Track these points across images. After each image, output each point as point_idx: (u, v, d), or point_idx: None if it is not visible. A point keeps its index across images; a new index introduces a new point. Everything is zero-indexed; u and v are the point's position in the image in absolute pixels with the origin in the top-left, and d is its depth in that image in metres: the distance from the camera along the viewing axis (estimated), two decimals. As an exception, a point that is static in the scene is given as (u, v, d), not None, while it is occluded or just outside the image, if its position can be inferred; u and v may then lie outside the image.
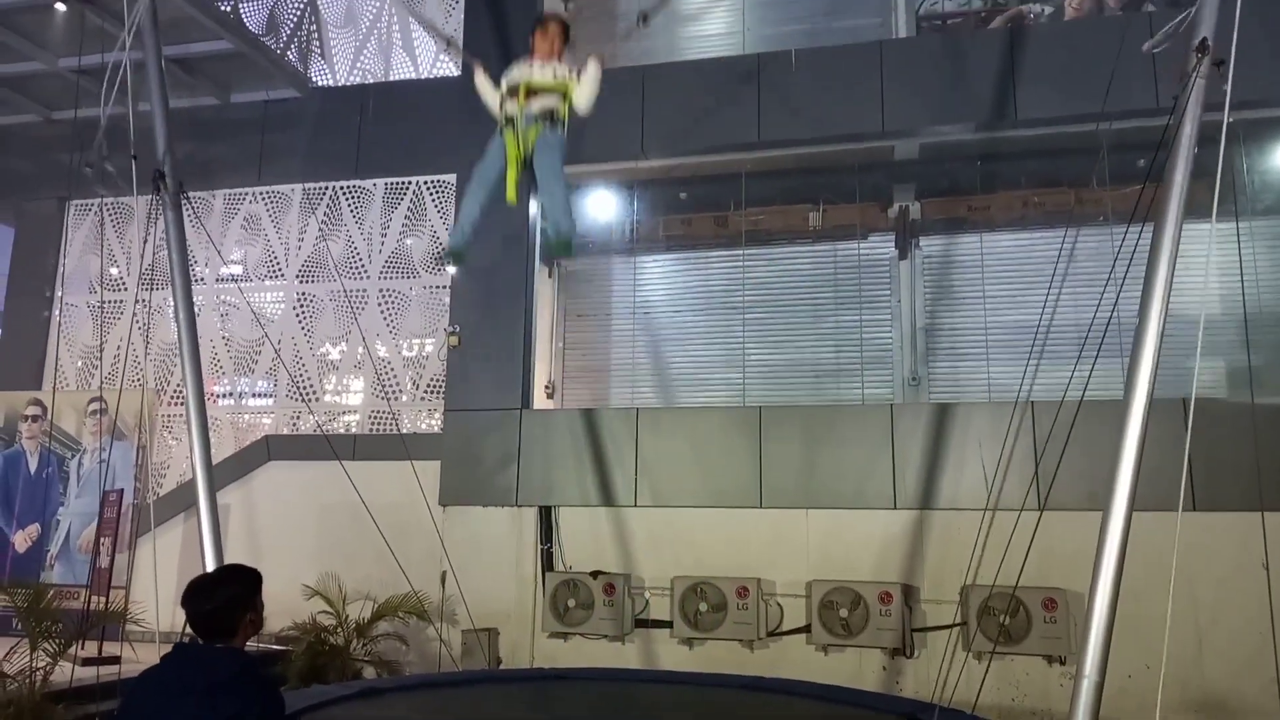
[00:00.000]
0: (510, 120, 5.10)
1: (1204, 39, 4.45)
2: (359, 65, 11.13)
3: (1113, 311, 4.75)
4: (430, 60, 10.95)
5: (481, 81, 5.34)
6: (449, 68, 10.71)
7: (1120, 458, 4.20)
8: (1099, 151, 8.08)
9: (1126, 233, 4.70)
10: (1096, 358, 4.73)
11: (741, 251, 9.64)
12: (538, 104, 5.03)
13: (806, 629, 7.97)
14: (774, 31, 9.87)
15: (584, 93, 5.09)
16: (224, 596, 2.78)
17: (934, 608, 7.81)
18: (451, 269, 9.10)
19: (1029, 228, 9.14)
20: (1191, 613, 7.13)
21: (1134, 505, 4.15)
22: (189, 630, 2.80)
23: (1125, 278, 4.66)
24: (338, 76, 11.14)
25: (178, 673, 2.69)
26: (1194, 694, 7.15)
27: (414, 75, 10.93)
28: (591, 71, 5.07)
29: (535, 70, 5.12)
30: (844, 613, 7.75)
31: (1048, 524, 6.22)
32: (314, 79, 11.00)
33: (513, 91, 5.10)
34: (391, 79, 10.95)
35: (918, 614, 7.85)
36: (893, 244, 9.39)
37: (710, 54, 9.92)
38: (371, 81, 10.97)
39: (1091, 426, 5.12)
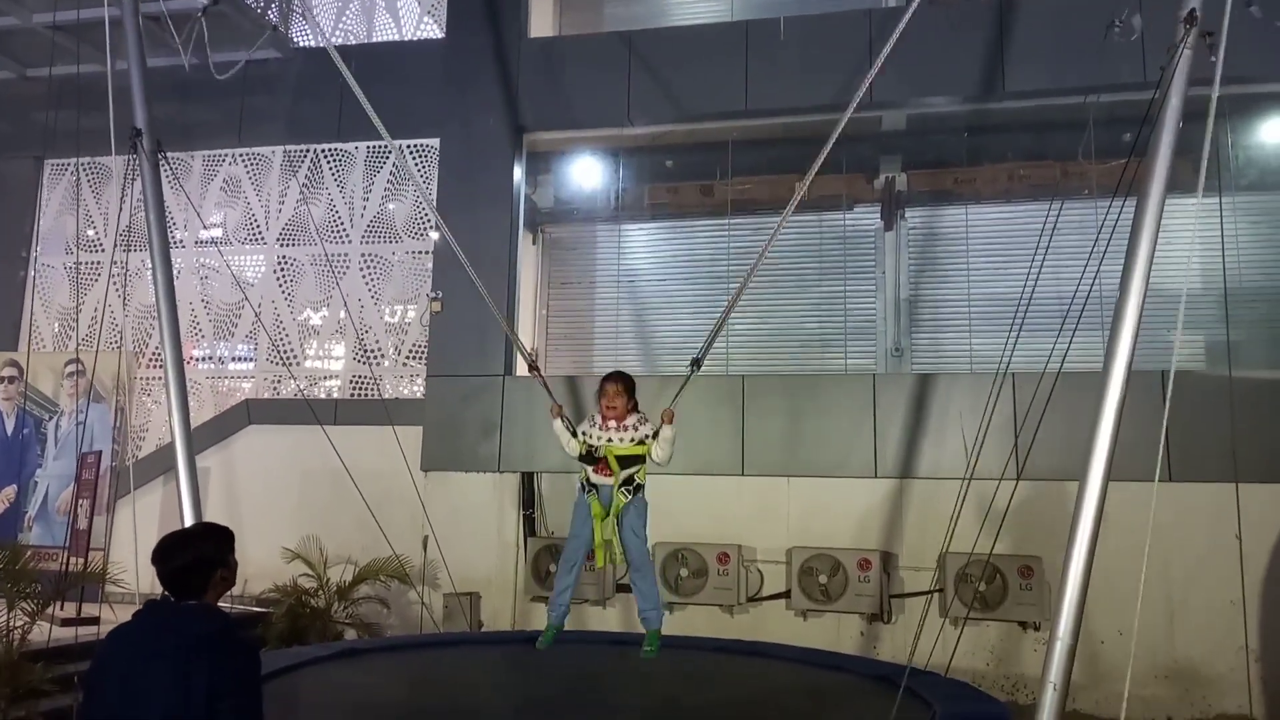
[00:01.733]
0: (594, 487, 5.14)
1: (1192, 10, 4.44)
2: (341, 26, 10.95)
3: (1093, 284, 4.77)
4: (414, 22, 10.78)
5: (561, 430, 5.26)
6: (433, 30, 10.57)
7: (1098, 428, 4.24)
8: (1086, 125, 8.09)
9: (1110, 207, 4.71)
10: (1076, 330, 4.76)
11: (727, 220, 9.61)
12: (623, 474, 5.07)
13: (786, 595, 8.05)
14: (763, -2, 9.80)
15: (662, 454, 5.10)
16: (195, 554, 2.75)
17: (912, 575, 7.91)
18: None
19: (1014, 201, 9.15)
20: (1165, 582, 7.25)
21: (1110, 475, 4.19)
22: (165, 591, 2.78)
23: (1106, 251, 4.67)
24: (319, 37, 10.95)
25: (151, 631, 2.66)
26: (1165, 661, 7.29)
27: (397, 37, 10.76)
28: (666, 434, 5.05)
29: (614, 435, 5.09)
30: (823, 579, 7.84)
31: (1027, 494, 6.29)
32: (295, 39, 10.82)
33: (590, 457, 5.11)
34: (374, 40, 10.79)
35: (896, 581, 7.95)
36: (878, 215, 9.38)
37: (698, 20, 9.84)
38: (354, 43, 10.79)
39: (1072, 398, 5.16)
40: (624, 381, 5.17)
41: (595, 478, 5.11)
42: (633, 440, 5.08)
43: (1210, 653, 7.25)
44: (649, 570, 5.27)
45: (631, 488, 5.08)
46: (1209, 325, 8.21)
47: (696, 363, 5.54)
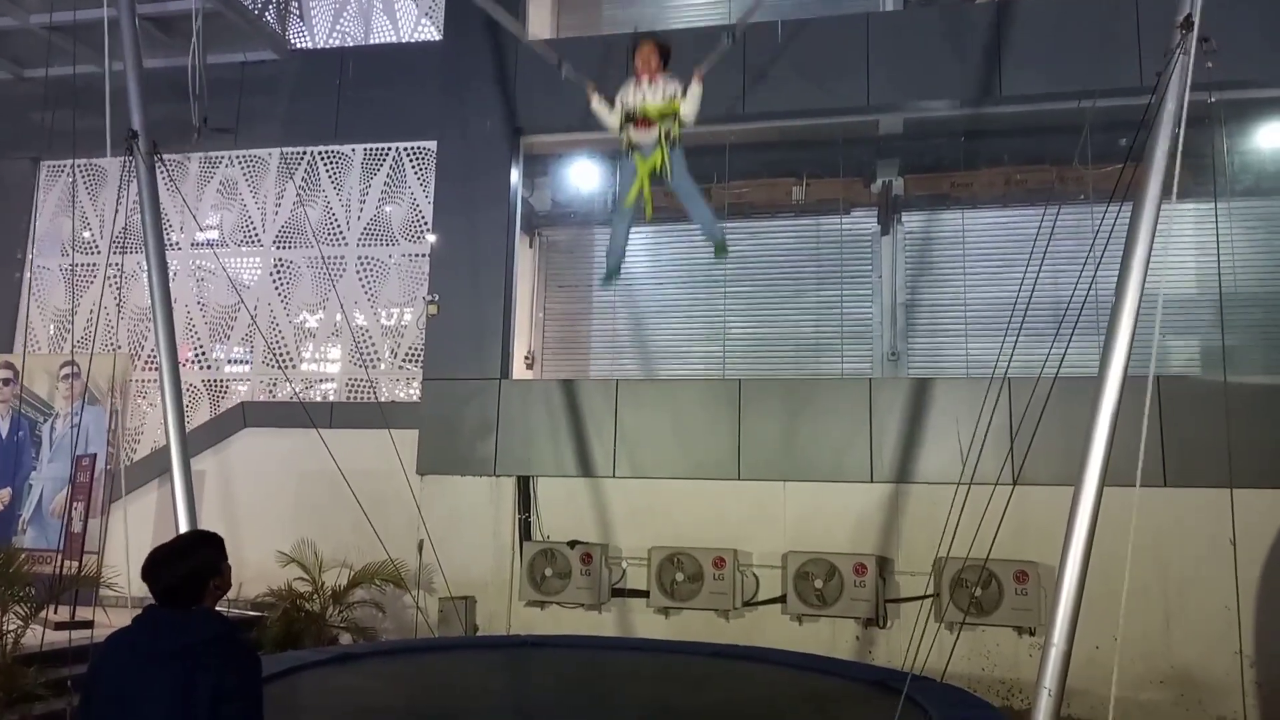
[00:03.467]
0: (635, 146, 5.76)
1: (1188, 15, 4.45)
2: (338, 28, 10.95)
3: (1089, 289, 4.77)
4: (411, 24, 10.78)
5: (598, 105, 5.85)
6: (430, 32, 10.57)
7: (1093, 433, 4.24)
8: (1083, 130, 8.10)
9: (1105, 212, 4.72)
10: (1073, 335, 4.76)
11: (724, 224, 9.57)
12: (658, 129, 5.66)
13: (782, 599, 8.04)
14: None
15: (690, 110, 5.67)
16: (187, 568, 2.70)
17: (908, 579, 7.90)
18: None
19: (1011, 205, 9.16)
20: (1160, 587, 7.25)
21: (1106, 480, 4.19)
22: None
23: (1103, 256, 4.68)
24: (317, 39, 10.96)
25: (149, 636, 2.63)
26: (1161, 666, 7.29)
27: (394, 39, 10.76)
28: (695, 90, 5.65)
29: (646, 93, 5.69)
30: (819, 583, 7.83)
31: (1023, 499, 6.28)
32: (292, 41, 10.82)
33: (630, 118, 5.70)
34: (371, 42, 10.78)
35: (891, 585, 7.94)
36: (875, 219, 9.38)
37: (695, 23, 9.84)
38: (351, 45, 10.79)
39: (1068, 403, 5.17)
40: (657, 40, 5.75)
41: (635, 134, 5.69)
42: (665, 97, 5.64)
43: (1206, 658, 7.25)
44: (699, 197, 5.96)
45: (669, 141, 5.66)
46: (1204, 330, 8.22)
47: (731, 34, 5.99)
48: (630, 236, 6.19)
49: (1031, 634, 7.51)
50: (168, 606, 2.69)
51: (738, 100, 8.90)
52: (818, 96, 8.78)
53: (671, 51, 5.84)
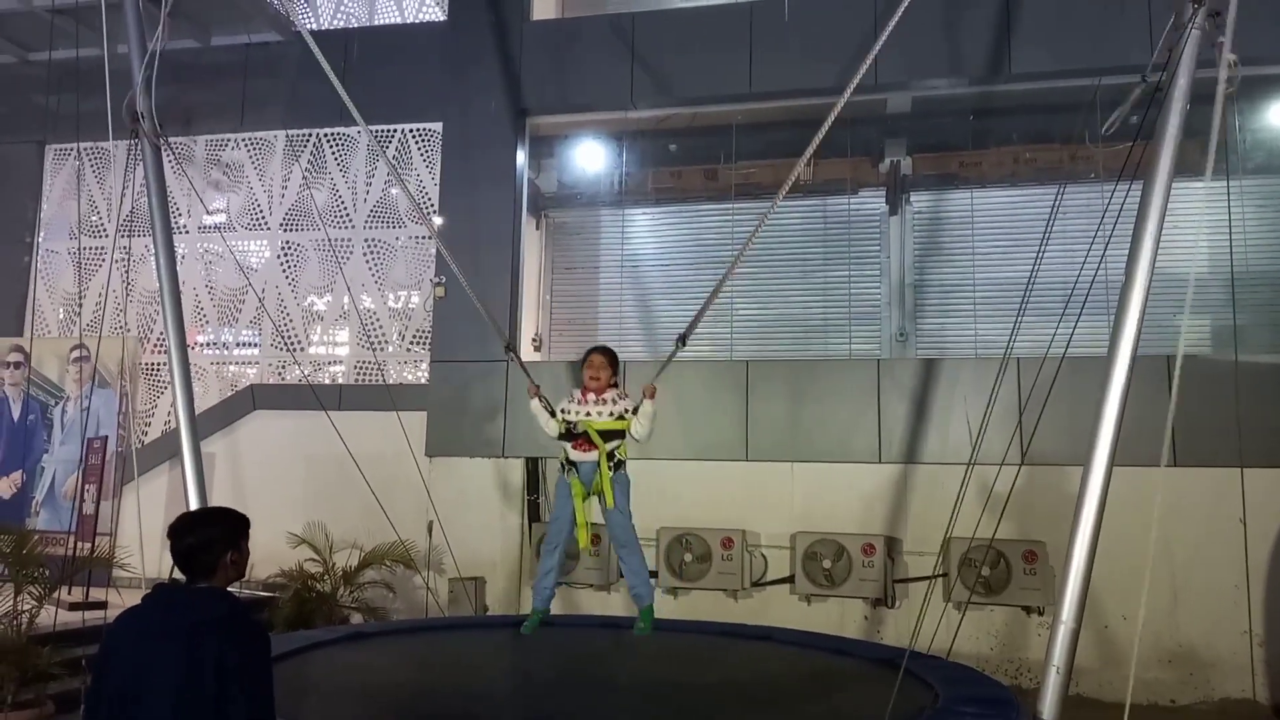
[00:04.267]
0: (573, 464, 5.14)
1: (1199, -11, 4.39)
2: (343, 8, 10.89)
3: (1098, 267, 4.74)
4: (416, 4, 10.73)
5: (537, 409, 5.27)
6: (435, 12, 10.51)
7: (1102, 413, 4.22)
8: (1092, 107, 8.03)
9: (1114, 190, 4.68)
10: (1080, 314, 4.74)
11: (731, 205, 9.57)
12: (600, 451, 5.05)
13: (790, 579, 8.07)
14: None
15: (642, 430, 5.10)
16: (209, 534, 2.75)
17: (916, 559, 7.91)
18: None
19: (1020, 184, 9.10)
20: (1168, 566, 7.25)
21: (1115, 460, 4.18)
22: (175, 570, 2.78)
23: (1112, 235, 4.65)
24: (321, 19, 10.91)
25: (160, 613, 2.66)
26: (1169, 645, 7.30)
27: (399, 20, 10.71)
28: (647, 409, 5.07)
29: (593, 410, 5.10)
30: (827, 564, 7.85)
31: (1032, 479, 6.29)
32: (296, 22, 10.75)
33: (571, 434, 5.10)
34: (376, 23, 10.73)
35: (900, 565, 7.96)
36: (883, 199, 9.34)
37: (701, 2, 9.77)
38: (355, 25, 10.74)
39: (1077, 382, 5.15)
40: (609, 354, 5.21)
41: (575, 454, 5.10)
42: (612, 415, 5.08)
43: (1214, 637, 7.26)
44: (636, 546, 5.24)
45: (613, 464, 5.07)
46: (1215, 309, 8.17)
47: (682, 339, 5.53)
48: (560, 570, 5.41)
49: (1040, 613, 7.52)
50: (182, 569, 2.74)
51: (744, 80, 8.85)
52: (825, 75, 8.71)
53: (619, 364, 5.30)
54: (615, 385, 5.20)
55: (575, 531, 5.14)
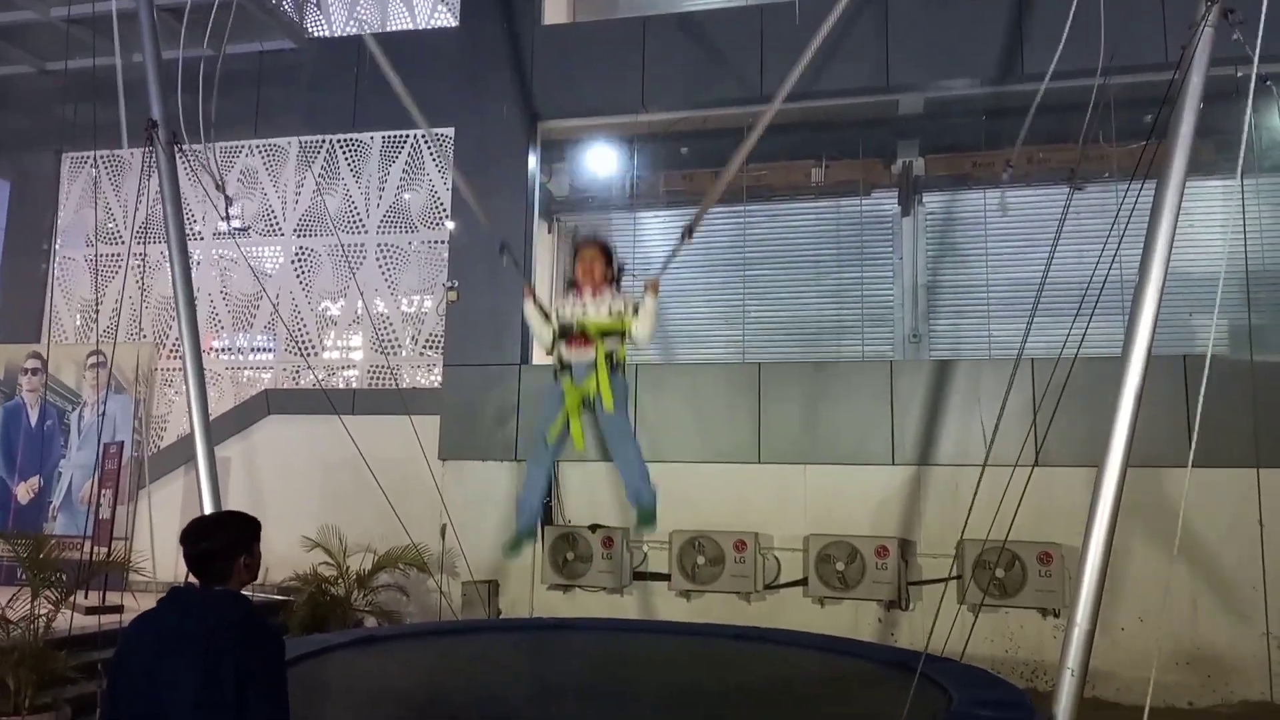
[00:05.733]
0: (567, 366, 4.65)
1: (1213, -13, 4.37)
2: (355, 15, 10.96)
3: (1110, 266, 4.71)
4: (428, 11, 10.78)
5: (531, 311, 4.81)
6: (447, 18, 10.56)
7: (1117, 413, 4.19)
8: (1107, 107, 7.99)
9: (1127, 189, 4.66)
10: (1093, 313, 4.71)
11: (743, 208, 9.57)
12: (597, 349, 4.58)
13: (803, 582, 8.04)
14: (777, -18, 9.71)
15: (644, 329, 4.67)
16: (221, 539, 2.77)
17: (930, 562, 7.87)
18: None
19: (1033, 184, 9.06)
20: (1186, 568, 7.19)
21: (1130, 461, 4.15)
22: (190, 575, 2.80)
23: (1124, 234, 4.62)
24: (334, 27, 10.98)
25: (175, 618, 2.68)
26: (1187, 647, 7.23)
27: (411, 26, 10.77)
28: (649, 305, 4.64)
29: (589, 308, 4.65)
30: (841, 566, 7.82)
31: (1048, 480, 6.24)
32: (309, 30, 10.84)
33: (566, 333, 4.64)
34: (389, 30, 10.79)
35: (914, 568, 7.92)
36: (896, 200, 9.32)
37: (712, 5, 9.78)
38: (368, 32, 10.79)
39: (1091, 383, 5.12)
40: (601, 246, 4.76)
41: (569, 353, 4.62)
42: (611, 313, 4.65)
43: (1232, 639, 7.19)
44: (634, 443, 4.76)
45: (611, 364, 4.61)
46: (1231, 309, 8.10)
47: (689, 231, 5.08)
48: (548, 486, 4.82)
49: (1056, 615, 7.47)
50: (196, 574, 2.74)
51: (755, 82, 8.84)
52: (836, 78, 8.70)
53: (615, 261, 4.86)
54: (612, 281, 4.75)
55: (569, 437, 4.67)
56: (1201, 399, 4.17)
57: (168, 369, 10.42)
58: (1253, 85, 4.23)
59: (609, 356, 4.61)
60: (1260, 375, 6.98)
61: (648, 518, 4.73)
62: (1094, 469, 4.24)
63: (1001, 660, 7.47)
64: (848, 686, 5.50)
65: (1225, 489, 6.95)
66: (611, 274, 4.74)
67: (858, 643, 6.83)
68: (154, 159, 6.51)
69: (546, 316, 4.75)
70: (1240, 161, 4.29)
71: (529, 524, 4.81)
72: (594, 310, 4.64)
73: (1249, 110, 4.28)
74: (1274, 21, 5.67)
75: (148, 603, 2.77)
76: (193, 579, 2.80)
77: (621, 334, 4.65)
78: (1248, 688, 7.13)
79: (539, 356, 9.49)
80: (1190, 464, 4.01)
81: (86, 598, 7.36)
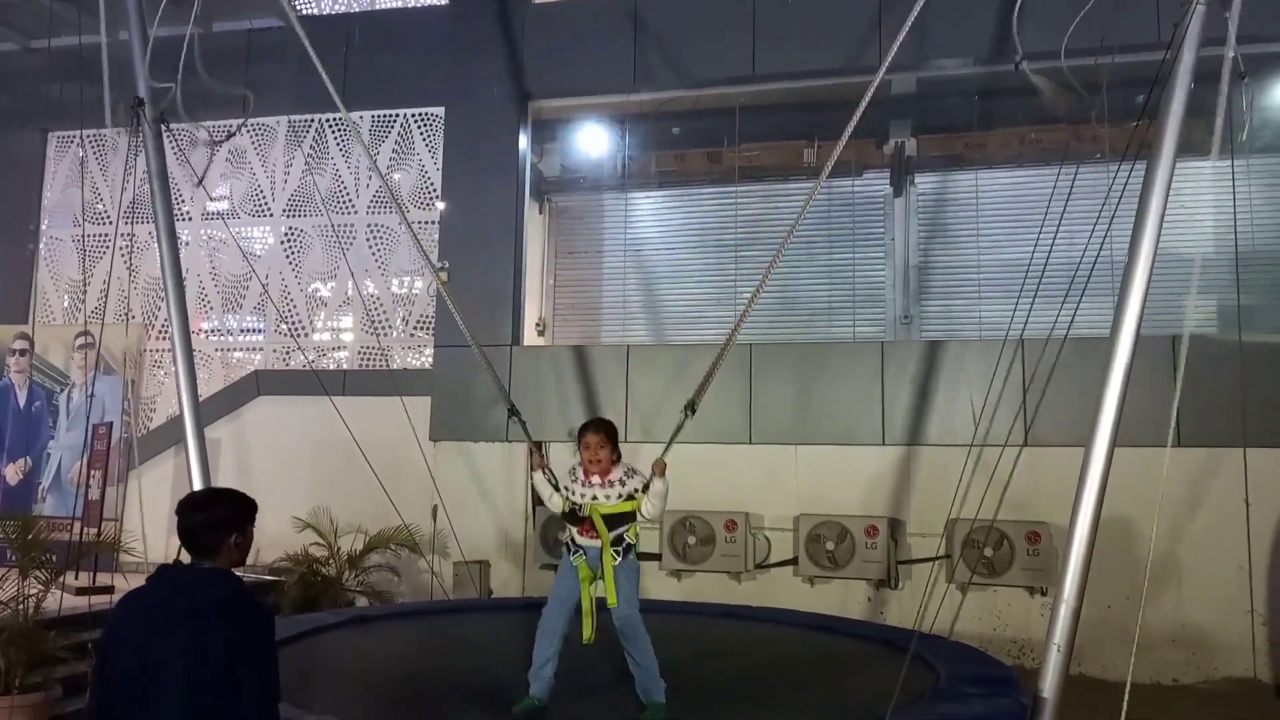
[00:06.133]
0: (579, 549, 4.55)
1: (1205, -34, 4.34)
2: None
3: (1101, 247, 4.72)
4: (418, -11, 10.68)
5: (541, 482, 4.77)
6: (436, -4, 10.46)
7: (1105, 393, 4.20)
8: (1098, 87, 7.96)
9: (1118, 170, 4.65)
10: (1083, 294, 4.71)
11: (734, 188, 9.54)
12: (612, 534, 4.49)
13: (794, 561, 8.09)
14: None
15: (653, 510, 4.55)
16: (218, 513, 2.77)
17: (919, 541, 7.92)
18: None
19: (1025, 165, 9.05)
20: (1172, 546, 7.25)
21: (1118, 441, 4.17)
22: (181, 553, 2.79)
23: (1115, 215, 4.62)
24: (322, 5, 10.87)
25: (165, 595, 2.66)
26: (1173, 625, 7.30)
27: (401, 4, 10.66)
28: (657, 488, 4.53)
29: (599, 492, 4.53)
30: (831, 545, 7.86)
31: (1037, 460, 6.27)
32: (298, 7, 10.72)
33: (574, 516, 4.55)
34: (378, 8, 10.69)
35: (903, 547, 7.97)
36: (888, 181, 9.30)
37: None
38: (357, 10, 10.70)
39: (1081, 363, 5.13)
40: (606, 431, 4.60)
41: (581, 539, 4.54)
42: (620, 496, 4.52)
43: (1217, 617, 7.27)
44: (645, 643, 4.58)
45: (621, 548, 4.52)
46: (1220, 289, 8.14)
47: (691, 408, 5.12)
48: (559, 658, 4.59)
49: (1043, 594, 7.53)
50: (187, 547, 2.74)
51: (747, 62, 8.80)
52: (828, 57, 8.66)
53: (617, 438, 4.67)
54: (619, 461, 4.63)
55: (580, 620, 4.57)
56: (1179, 379, 4.18)
57: (157, 350, 10.37)
58: (1226, 68, 4.21)
59: (619, 540, 4.54)
60: (1248, 355, 7.02)
61: (658, 714, 4.52)
62: (1082, 449, 4.25)
63: (989, 638, 7.53)
64: (838, 665, 5.54)
65: (1213, 468, 7.00)
66: (618, 455, 4.63)
67: (847, 621, 6.88)
68: (140, 138, 6.44)
69: (556, 487, 4.72)
70: (1215, 141, 4.26)
71: (541, 689, 4.60)
72: (603, 495, 4.55)
73: (1223, 90, 4.23)
74: (1262, 2, 5.67)
75: (138, 583, 2.76)
76: (184, 558, 2.80)
77: (633, 515, 4.57)
78: (1232, 664, 7.22)
79: (531, 337, 9.50)
80: (1170, 444, 4.02)
81: (77, 578, 7.35)
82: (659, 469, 4.54)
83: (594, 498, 4.52)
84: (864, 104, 5.52)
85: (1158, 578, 7.23)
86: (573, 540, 4.59)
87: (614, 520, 4.51)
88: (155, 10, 6.62)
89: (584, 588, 4.53)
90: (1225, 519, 7.02)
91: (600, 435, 4.55)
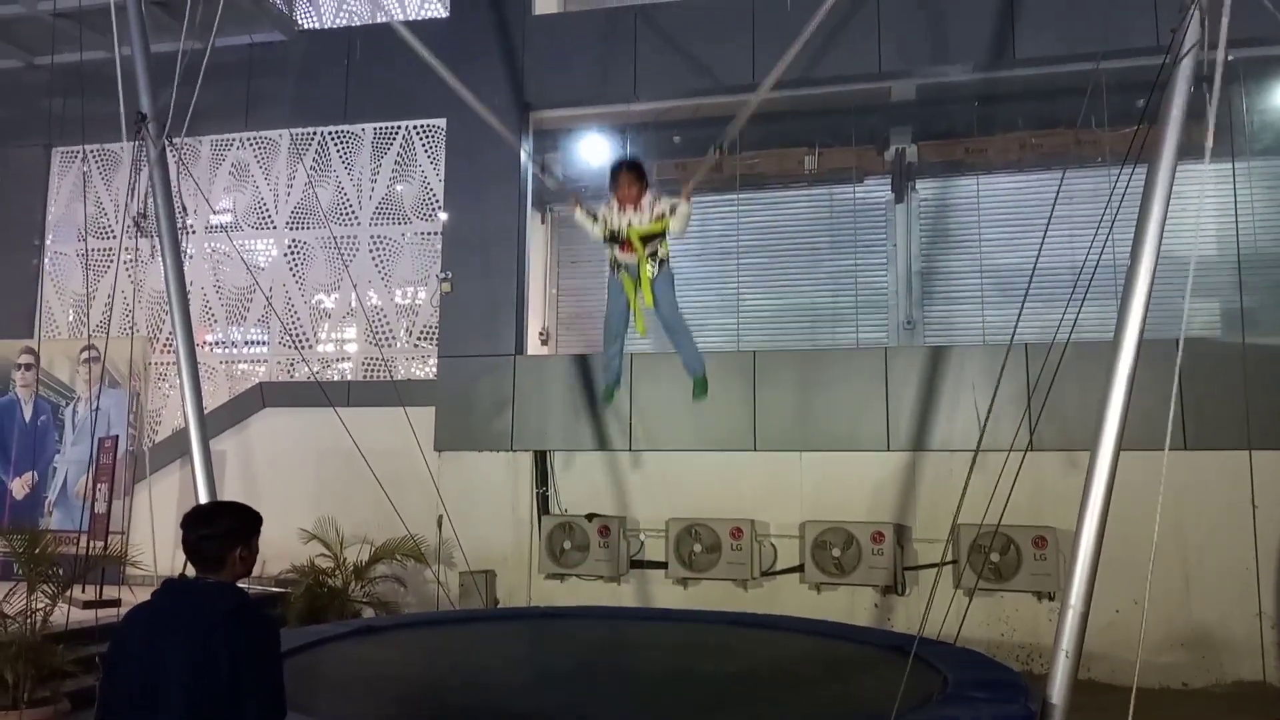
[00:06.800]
0: (622, 265, 5.58)
1: (1203, -30, 4.36)
2: (345, 7, 10.90)
3: (1101, 251, 4.72)
4: (418, 1, 10.73)
5: (583, 219, 5.71)
6: (437, 9, 10.51)
7: (1109, 397, 4.21)
8: (1098, 92, 7.99)
9: (1120, 174, 4.66)
10: (1085, 298, 4.72)
11: (736, 196, 9.56)
12: (647, 249, 5.47)
13: (800, 568, 8.08)
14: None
15: (678, 226, 5.47)
16: (224, 526, 2.77)
17: (925, 547, 7.91)
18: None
19: (1026, 170, 9.07)
20: (1180, 549, 7.23)
21: (1123, 443, 4.17)
22: (187, 566, 2.80)
23: (1116, 218, 4.63)
24: (324, 19, 10.92)
25: (169, 609, 2.67)
26: (1181, 628, 7.28)
27: (401, 17, 10.70)
28: (683, 210, 5.45)
29: (633, 217, 5.47)
30: (836, 552, 7.85)
31: (1042, 465, 6.27)
32: (299, 21, 10.79)
33: (614, 238, 5.50)
34: (379, 21, 10.73)
35: (909, 553, 7.96)
36: (889, 187, 9.32)
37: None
38: (358, 24, 10.75)
39: (1085, 367, 5.14)
40: (635, 170, 5.50)
41: (621, 256, 5.54)
42: (652, 218, 5.45)
43: (1226, 619, 7.24)
44: (685, 329, 5.75)
45: (656, 260, 5.50)
46: (1223, 292, 8.13)
47: (719, 147, 5.97)
48: (622, 353, 6.03)
49: (1051, 599, 7.51)
50: (192, 560, 2.74)
51: (747, 69, 8.83)
52: (828, 65, 8.69)
53: (646, 175, 5.65)
54: (647, 190, 5.49)
55: (633, 320, 5.63)
56: (1177, 382, 4.18)
57: (162, 363, 10.40)
58: (1219, 71, 4.22)
59: (654, 254, 5.49)
60: (1252, 358, 7.01)
61: (702, 385, 5.83)
62: (1088, 453, 4.25)
63: (997, 643, 7.51)
64: (845, 671, 5.53)
65: (1219, 471, 6.99)
66: (646, 185, 5.52)
67: (854, 628, 6.86)
68: (144, 152, 6.47)
69: (594, 218, 5.62)
70: (1208, 145, 4.26)
71: (613, 378, 6.03)
72: (636, 220, 5.44)
73: (1215, 94, 4.24)
74: (1256, 5, 5.68)
75: (145, 596, 2.77)
76: (189, 572, 2.80)
77: (662, 233, 5.47)
78: (1241, 668, 7.19)
79: (534, 346, 9.51)
80: (1168, 447, 4.01)
81: (84, 592, 7.36)
82: (686, 194, 5.46)
83: (629, 223, 5.45)
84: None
85: (1165, 582, 7.20)
86: (615, 260, 5.60)
87: (647, 239, 5.46)
88: (158, 27, 6.65)
89: (630, 293, 5.58)
90: (1232, 522, 6.99)
91: (631, 174, 5.47)
